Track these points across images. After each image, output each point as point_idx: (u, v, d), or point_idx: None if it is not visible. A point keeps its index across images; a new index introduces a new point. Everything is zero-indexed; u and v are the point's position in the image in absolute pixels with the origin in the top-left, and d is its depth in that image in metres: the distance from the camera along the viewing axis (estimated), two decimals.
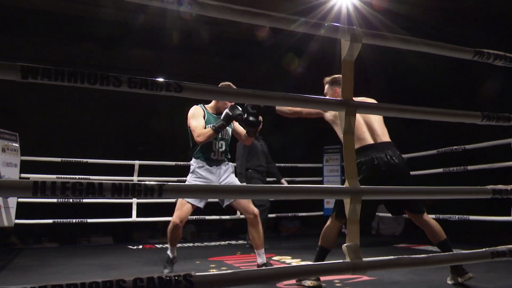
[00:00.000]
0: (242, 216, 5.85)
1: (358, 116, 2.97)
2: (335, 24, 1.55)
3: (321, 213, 6.88)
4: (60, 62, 6.16)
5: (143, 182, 1.18)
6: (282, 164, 6.25)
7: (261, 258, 3.12)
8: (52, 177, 4.91)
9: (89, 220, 5.31)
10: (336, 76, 2.80)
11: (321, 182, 6.88)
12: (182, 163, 5.84)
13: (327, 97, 2.82)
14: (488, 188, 1.71)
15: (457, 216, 4.71)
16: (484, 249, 1.56)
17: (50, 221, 5.08)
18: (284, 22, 1.47)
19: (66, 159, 5.34)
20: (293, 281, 2.77)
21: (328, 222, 2.82)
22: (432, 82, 6.75)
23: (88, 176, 5.02)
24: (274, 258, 4.15)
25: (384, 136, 2.71)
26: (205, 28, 6.17)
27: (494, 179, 3.35)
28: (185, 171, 5.89)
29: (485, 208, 4.37)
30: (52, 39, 6.63)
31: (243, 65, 7.36)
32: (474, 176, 4.63)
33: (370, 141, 2.65)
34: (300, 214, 6.69)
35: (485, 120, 1.81)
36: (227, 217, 5.96)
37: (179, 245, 5.28)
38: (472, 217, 4.56)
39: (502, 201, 3.33)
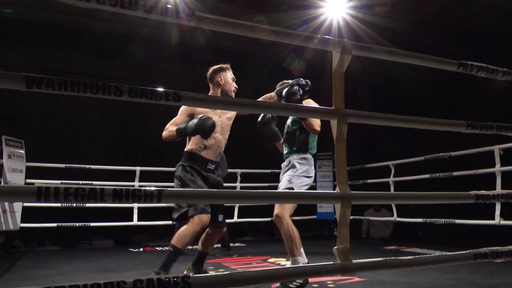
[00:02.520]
0: (240, 220, 5.86)
1: None
2: (327, 37, 1.56)
3: (314, 217, 6.88)
4: (59, 72, 6.17)
5: (143, 188, 1.18)
6: (276, 170, 6.25)
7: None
8: (56, 182, 4.88)
9: (92, 224, 5.28)
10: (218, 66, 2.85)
11: (314, 188, 6.88)
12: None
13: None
14: (471, 194, 1.72)
15: (443, 220, 4.73)
16: (467, 251, 1.56)
17: (54, 224, 5.04)
18: (280, 35, 1.48)
19: (69, 165, 5.32)
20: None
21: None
22: (417, 92, 6.81)
23: (90, 182, 5.00)
24: (269, 260, 4.13)
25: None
26: (203, 40, 6.19)
27: (478, 184, 3.38)
28: None
29: (472, 211, 4.38)
30: (53, 50, 6.64)
31: (240, 75, 7.38)
32: (459, 182, 4.66)
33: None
34: (294, 217, 6.65)
35: (469, 128, 1.82)
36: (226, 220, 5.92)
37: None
38: (458, 221, 4.57)
39: (487, 205, 3.36)
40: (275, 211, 2.78)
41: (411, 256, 1.49)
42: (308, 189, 2.92)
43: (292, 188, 2.85)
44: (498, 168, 4.30)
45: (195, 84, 6.91)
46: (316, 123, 2.76)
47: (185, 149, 2.77)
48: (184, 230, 2.54)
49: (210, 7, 5.06)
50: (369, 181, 6.22)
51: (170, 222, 5.41)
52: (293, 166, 2.91)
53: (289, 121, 2.99)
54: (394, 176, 5.61)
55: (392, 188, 5.59)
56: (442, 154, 4.93)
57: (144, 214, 5.49)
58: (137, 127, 7.47)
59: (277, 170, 3.52)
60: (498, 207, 4.09)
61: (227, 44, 6.44)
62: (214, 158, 2.74)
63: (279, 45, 5.94)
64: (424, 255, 1.55)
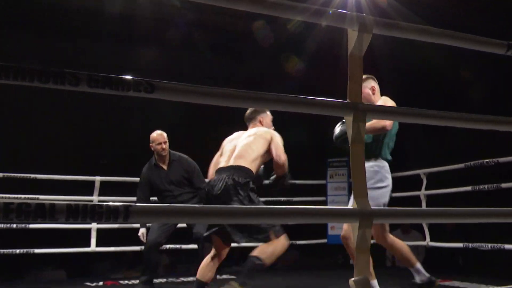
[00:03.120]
0: (233, 245, 5.84)
1: (225, 143, 3.57)
2: (341, 11, 1.57)
3: (325, 240, 6.90)
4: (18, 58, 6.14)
5: (105, 203, 1.18)
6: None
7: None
8: None
9: (37, 251, 5.24)
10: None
11: (325, 203, 6.89)
12: None
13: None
14: None
15: (489, 245, 4.75)
16: None
17: None
18: (280, 8, 1.49)
19: (8, 174, 5.28)
20: None
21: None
22: (459, 84, 6.81)
23: (37, 196, 4.98)
24: None
25: (237, 159, 3.29)
26: (185, 16, 6.19)
27: None
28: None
29: None
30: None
31: (231, 60, 7.39)
32: (510, 195, 4.68)
33: (222, 165, 3.32)
34: (298, 242, 6.68)
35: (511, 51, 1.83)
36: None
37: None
38: (508, 246, 4.58)
39: None
40: (343, 233, 3.30)
41: None
42: (386, 201, 3.44)
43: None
44: None
45: (174, 71, 6.95)
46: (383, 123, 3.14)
47: (248, 166, 3.30)
48: (273, 247, 3.08)
49: None
50: (394, 194, 6.23)
51: (139, 248, 5.42)
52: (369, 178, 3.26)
53: None
54: (426, 189, 5.64)
55: (423, 203, 5.63)
56: (488, 160, 4.96)
57: (106, 237, 5.47)
58: (103, 125, 7.39)
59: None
60: None
61: (216, 20, 6.43)
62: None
63: (280, 22, 5.95)
64: None
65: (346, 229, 3.23)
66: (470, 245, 4.94)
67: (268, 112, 3.63)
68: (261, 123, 3.58)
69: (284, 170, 3.48)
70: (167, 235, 4.39)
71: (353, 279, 1.39)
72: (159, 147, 4.37)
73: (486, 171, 5.06)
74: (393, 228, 6.70)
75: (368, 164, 3.12)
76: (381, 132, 3.30)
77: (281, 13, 1.49)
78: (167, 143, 4.42)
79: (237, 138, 3.52)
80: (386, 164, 3.49)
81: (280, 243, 3.10)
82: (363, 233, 1.42)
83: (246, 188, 3.18)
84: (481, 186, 4.96)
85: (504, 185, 4.80)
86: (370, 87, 3.56)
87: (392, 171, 6.48)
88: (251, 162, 3.29)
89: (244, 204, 3.04)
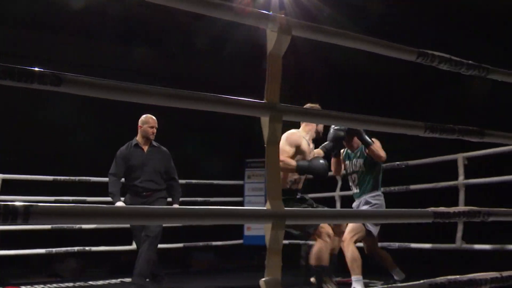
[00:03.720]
0: None
1: None
2: (261, 11, 1.58)
3: (241, 241, 6.93)
4: None
5: (3, 203, 1.11)
6: (193, 181, 6.21)
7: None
8: None
9: None
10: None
11: (242, 203, 6.93)
12: (62, 178, 5.58)
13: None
14: (429, 211, 1.84)
15: (397, 244, 5.00)
16: (421, 281, 1.67)
17: None
18: (203, 6, 1.47)
19: None
20: None
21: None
22: (385, 85, 7.04)
23: None
24: None
25: None
26: (101, 4, 5.96)
27: (440, 200, 3.63)
28: (65, 188, 5.65)
29: (433, 232, 4.67)
30: None
31: (158, 56, 7.20)
32: (418, 197, 4.93)
33: None
34: (214, 243, 6.67)
35: (428, 131, 1.95)
36: (122, 247, 5.77)
37: (53, 286, 5.02)
38: (414, 245, 4.85)
39: (447, 224, 3.62)
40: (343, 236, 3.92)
41: None
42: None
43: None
44: (461, 180, 4.62)
45: (95, 63, 6.67)
46: (381, 149, 3.93)
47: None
48: (316, 248, 3.74)
49: None
50: (310, 195, 6.37)
51: (44, 251, 5.18)
52: (367, 202, 4.04)
53: (360, 162, 4.12)
54: (341, 190, 5.81)
55: (338, 204, 5.80)
56: (399, 163, 5.20)
57: (10, 239, 5.17)
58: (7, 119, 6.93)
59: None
60: (460, 228, 4.41)
61: (143, 12, 6.23)
62: (301, 187, 3.95)
63: (208, 18, 5.86)
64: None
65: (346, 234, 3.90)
66: (380, 244, 5.17)
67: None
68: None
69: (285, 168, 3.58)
70: None
71: (263, 279, 1.41)
72: (151, 130, 4.41)
73: (397, 173, 5.28)
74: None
75: (370, 195, 4.08)
76: (379, 160, 4.03)
77: (197, 8, 1.47)
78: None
79: None
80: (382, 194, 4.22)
81: (320, 239, 3.76)
82: (275, 234, 1.44)
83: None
84: (392, 188, 5.20)
85: (412, 186, 5.06)
86: None
87: None
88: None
89: None
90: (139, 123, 4.43)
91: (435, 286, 1.69)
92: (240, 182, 7.17)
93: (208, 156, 7.33)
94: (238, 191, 7.15)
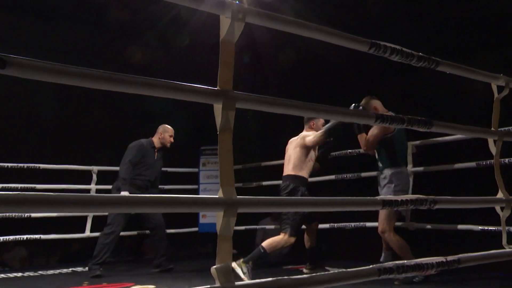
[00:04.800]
0: (93, 235, 5.60)
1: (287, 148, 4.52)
2: None
3: (196, 229, 6.92)
4: None
5: None
6: None
7: None
8: None
9: None
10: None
11: (197, 191, 6.91)
12: (10, 164, 5.39)
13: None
14: (378, 199, 1.89)
15: (353, 224, 5.13)
16: (371, 266, 1.72)
17: None
18: None
19: None
20: None
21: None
22: (344, 74, 7.09)
23: None
24: (133, 287, 4.05)
25: (287, 170, 4.39)
26: None
27: None
28: (13, 175, 5.46)
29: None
30: None
31: (113, 41, 6.99)
32: (371, 184, 5.03)
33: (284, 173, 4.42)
34: (169, 231, 6.61)
35: (378, 121, 2.00)
36: (74, 235, 5.66)
37: (1, 276, 4.86)
38: (369, 224, 4.94)
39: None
40: (379, 228, 3.94)
41: (307, 275, 1.58)
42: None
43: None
44: (409, 168, 4.74)
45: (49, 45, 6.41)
46: (363, 140, 3.99)
47: (298, 174, 4.32)
48: (277, 241, 4.11)
49: None
50: (265, 183, 6.43)
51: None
52: (391, 181, 3.94)
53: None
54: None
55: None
56: (351, 151, 5.28)
57: None
58: None
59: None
60: (408, 213, 4.56)
61: None
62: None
63: (165, 3, 5.73)
64: (323, 273, 1.67)
65: (381, 225, 3.92)
66: (336, 225, 5.27)
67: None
68: (311, 128, 4.46)
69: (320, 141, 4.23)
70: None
71: (215, 266, 1.41)
72: (170, 139, 5.07)
73: (351, 160, 5.38)
74: (263, 216, 6.96)
75: (391, 171, 3.96)
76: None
77: None
78: None
79: (290, 144, 4.52)
80: (399, 170, 4.00)
81: (284, 239, 4.11)
82: (227, 221, 1.44)
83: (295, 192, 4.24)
84: (344, 175, 5.30)
85: (364, 174, 5.17)
86: (373, 108, 3.95)
87: (264, 160, 6.72)
88: (299, 169, 4.32)
89: None
90: (160, 130, 5.04)
91: (384, 271, 1.74)
92: (195, 169, 7.13)
93: None
94: (193, 178, 7.12)
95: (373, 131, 3.95)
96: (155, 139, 5.05)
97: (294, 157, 4.34)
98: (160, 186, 6.26)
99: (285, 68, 7.28)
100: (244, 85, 6.72)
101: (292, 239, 4.15)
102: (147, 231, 6.34)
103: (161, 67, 6.88)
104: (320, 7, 5.85)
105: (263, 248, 4.03)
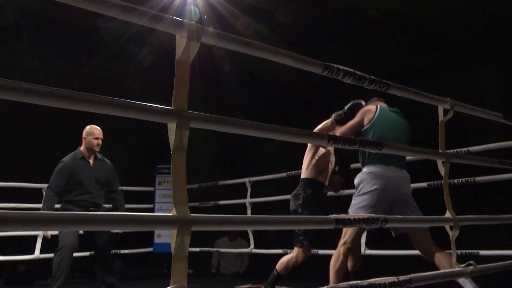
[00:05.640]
0: (42, 256, 5.42)
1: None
2: (172, 17, 1.57)
3: (151, 249, 6.83)
4: None
5: None
6: None
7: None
8: None
9: None
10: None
11: (152, 210, 6.83)
12: None
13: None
14: (331, 218, 1.92)
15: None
16: (325, 287, 1.74)
17: None
18: (108, 6, 1.43)
19: None
20: None
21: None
22: (296, 93, 7.18)
23: None
24: None
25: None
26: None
27: (344, 205, 3.81)
28: None
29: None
30: None
31: (72, 57, 6.86)
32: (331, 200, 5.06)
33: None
34: (122, 251, 6.49)
35: (331, 142, 2.05)
36: (21, 257, 5.46)
37: None
38: (321, 251, 4.99)
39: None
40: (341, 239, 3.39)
41: None
42: (365, 208, 3.25)
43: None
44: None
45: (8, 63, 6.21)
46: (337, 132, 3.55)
47: (303, 177, 3.89)
48: (288, 258, 3.78)
49: None
50: (221, 202, 6.43)
51: None
52: (356, 187, 3.40)
53: None
54: (251, 196, 5.89)
55: (248, 211, 5.87)
56: None
57: None
58: None
59: None
60: (364, 235, 4.63)
61: (54, 13, 5.86)
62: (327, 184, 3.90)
63: (121, 22, 5.69)
64: None
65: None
66: (289, 251, 5.28)
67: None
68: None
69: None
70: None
71: (169, 287, 1.40)
72: (96, 141, 4.28)
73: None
74: (221, 235, 6.93)
75: (360, 173, 3.42)
76: None
77: (117, 14, 1.44)
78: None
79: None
80: (372, 170, 3.33)
81: (295, 255, 3.74)
82: (181, 240, 1.44)
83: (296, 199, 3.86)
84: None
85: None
86: (358, 113, 3.57)
87: (221, 179, 6.72)
88: (305, 171, 3.90)
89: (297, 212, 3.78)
90: (84, 134, 4.29)
91: None
92: (151, 188, 7.06)
93: (117, 161, 7.12)
94: (149, 197, 7.04)
95: (341, 129, 3.56)
96: (82, 147, 4.32)
97: (303, 161, 3.98)
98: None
99: (242, 86, 7.35)
100: (205, 104, 6.74)
101: (309, 252, 3.75)
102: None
103: (120, 85, 6.81)
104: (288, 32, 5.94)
105: (276, 270, 3.79)
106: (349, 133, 3.45)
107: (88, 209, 4.16)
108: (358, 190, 3.35)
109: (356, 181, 3.40)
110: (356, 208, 3.29)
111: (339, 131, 3.57)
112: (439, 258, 3.07)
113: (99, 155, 4.39)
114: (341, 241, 3.32)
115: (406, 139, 3.49)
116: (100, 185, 4.31)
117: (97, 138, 4.27)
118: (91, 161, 4.32)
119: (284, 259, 3.79)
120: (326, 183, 3.90)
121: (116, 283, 4.38)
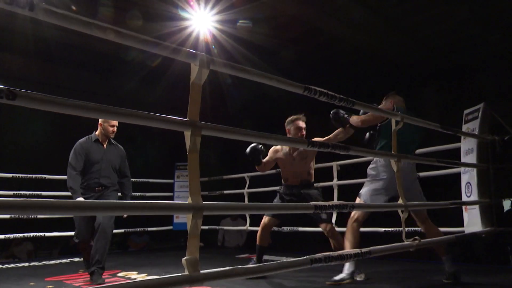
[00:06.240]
0: None
1: None
2: (183, 48, 1.56)
3: (171, 227, 6.80)
4: None
5: None
6: (133, 179, 6.03)
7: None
8: None
9: None
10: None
11: (172, 198, 6.81)
12: (20, 175, 5.15)
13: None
14: (311, 204, 1.91)
15: (288, 228, 5.13)
16: (305, 257, 1.72)
17: None
18: (127, 38, 1.41)
19: None
20: None
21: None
22: (284, 108, 7.13)
23: None
24: (119, 274, 3.90)
25: None
26: (58, 34, 5.51)
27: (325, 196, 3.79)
28: (22, 184, 5.20)
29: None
30: None
31: (113, 79, 6.80)
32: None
33: None
34: (149, 229, 6.45)
35: (310, 146, 2.03)
36: (71, 233, 5.39)
37: (11, 265, 4.59)
38: (301, 229, 5.00)
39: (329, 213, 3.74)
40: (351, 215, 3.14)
41: (256, 264, 1.57)
42: (377, 193, 3.05)
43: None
44: (335, 182, 4.91)
45: (54, 82, 6.18)
46: (357, 121, 3.14)
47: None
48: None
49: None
50: (225, 192, 6.44)
51: (3, 236, 4.74)
52: (368, 173, 3.17)
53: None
54: (248, 188, 5.87)
55: (246, 199, 5.85)
56: None
57: None
58: None
59: None
60: (334, 216, 4.63)
61: (97, 45, 5.81)
62: (297, 183, 3.62)
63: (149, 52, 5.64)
64: (268, 263, 1.65)
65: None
66: (276, 228, 5.25)
67: (295, 122, 3.52)
68: (288, 132, 3.46)
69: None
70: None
71: (185, 258, 1.38)
72: (111, 129, 3.63)
73: None
74: (224, 217, 6.89)
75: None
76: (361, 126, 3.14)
77: (127, 41, 1.42)
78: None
79: None
80: (381, 160, 3.06)
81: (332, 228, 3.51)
82: (195, 222, 1.42)
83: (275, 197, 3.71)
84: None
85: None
86: (389, 102, 3.15)
87: (225, 174, 6.68)
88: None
89: None
90: (100, 120, 3.63)
91: (315, 261, 1.74)
92: (171, 180, 7.05)
93: (145, 158, 7.12)
94: (169, 188, 7.03)
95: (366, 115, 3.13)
96: (98, 132, 3.66)
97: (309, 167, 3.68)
98: (142, 194, 6.09)
99: (246, 103, 7.34)
100: (213, 116, 6.71)
101: (268, 216, 3.59)
102: (131, 229, 6.15)
103: (148, 101, 6.78)
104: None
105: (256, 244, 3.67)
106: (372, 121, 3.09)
107: (94, 189, 3.57)
108: (371, 177, 3.12)
109: (370, 167, 3.16)
110: (366, 195, 3.09)
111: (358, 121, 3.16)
112: (429, 229, 3.08)
113: (113, 141, 3.76)
114: (351, 219, 3.08)
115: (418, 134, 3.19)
116: (110, 168, 3.67)
117: (113, 126, 3.64)
118: (105, 144, 3.69)
119: (339, 238, 3.40)
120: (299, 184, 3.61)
121: (101, 270, 3.48)
